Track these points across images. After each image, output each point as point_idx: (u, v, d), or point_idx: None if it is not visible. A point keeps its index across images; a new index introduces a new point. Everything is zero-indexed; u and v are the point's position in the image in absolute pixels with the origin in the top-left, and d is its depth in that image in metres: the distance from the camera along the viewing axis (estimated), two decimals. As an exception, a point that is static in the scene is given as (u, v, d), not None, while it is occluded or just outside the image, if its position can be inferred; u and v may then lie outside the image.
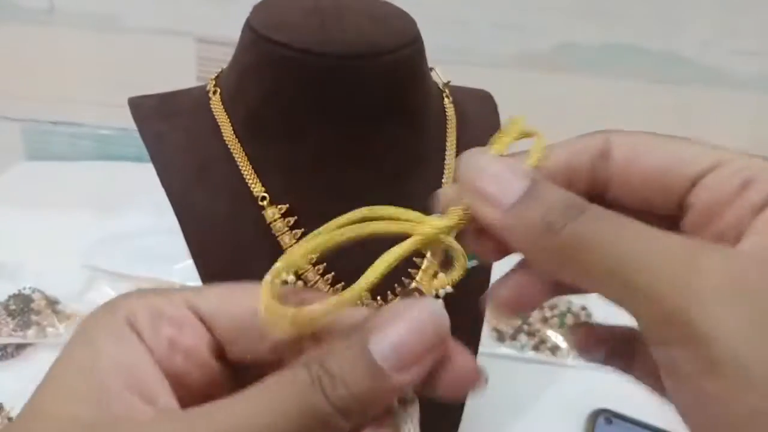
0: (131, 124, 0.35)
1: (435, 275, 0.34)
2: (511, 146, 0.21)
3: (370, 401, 0.15)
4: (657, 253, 0.15)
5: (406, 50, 0.33)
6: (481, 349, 0.36)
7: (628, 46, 0.71)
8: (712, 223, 0.17)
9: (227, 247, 0.33)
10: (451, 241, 0.19)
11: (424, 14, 0.36)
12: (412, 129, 0.35)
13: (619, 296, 0.16)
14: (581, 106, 0.74)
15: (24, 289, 0.53)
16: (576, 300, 0.59)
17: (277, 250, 0.32)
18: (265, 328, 0.17)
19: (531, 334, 0.55)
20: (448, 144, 0.36)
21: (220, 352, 0.18)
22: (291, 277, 0.32)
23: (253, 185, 0.32)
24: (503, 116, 0.40)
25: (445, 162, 0.36)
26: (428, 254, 0.34)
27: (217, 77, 0.37)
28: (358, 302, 0.31)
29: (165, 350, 0.16)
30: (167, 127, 0.35)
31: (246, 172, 0.33)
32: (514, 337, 0.55)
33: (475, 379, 0.17)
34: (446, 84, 0.39)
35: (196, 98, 0.36)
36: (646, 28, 0.70)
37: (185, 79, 0.56)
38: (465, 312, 0.35)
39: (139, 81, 0.42)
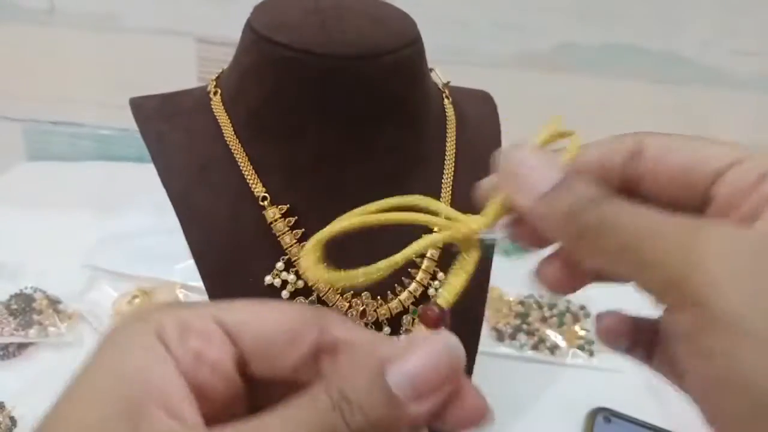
0: (132, 125, 0.35)
1: (434, 275, 0.34)
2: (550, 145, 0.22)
3: (386, 428, 0.16)
4: (664, 230, 0.17)
5: (406, 51, 0.33)
6: (480, 348, 0.36)
7: (628, 46, 0.71)
8: (732, 214, 0.18)
9: (228, 247, 0.33)
10: (485, 236, 0.21)
11: (424, 14, 0.36)
12: (412, 129, 0.35)
13: (632, 271, 0.17)
14: (581, 106, 0.74)
15: (25, 288, 0.53)
16: (575, 300, 0.59)
17: (278, 250, 0.32)
18: (289, 345, 0.17)
19: (530, 333, 0.55)
20: (447, 144, 0.36)
21: (243, 366, 0.18)
22: (291, 277, 0.32)
23: (253, 185, 0.33)
24: (503, 116, 0.40)
25: (445, 162, 0.36)
26: (428, 253, 0.34)
27: (217, 78, 0.37)
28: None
29: (191, 363, 0.17)
30: (168, 127, 0.35)
31: (247, 173, 0.33)
32: (513, 337, 0.55)
33: (484, 415, 0.17)
34: (446, 84, 0.39)
35: (197, 99, 0.36)
36: (646, 28, 0.70)
37: (186, 80, 0.57)
38: (465, 312, 0.35)
39: (140, 81, 0.42)
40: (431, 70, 0.38)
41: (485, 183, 0.22)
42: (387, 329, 0.33)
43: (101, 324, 0.51)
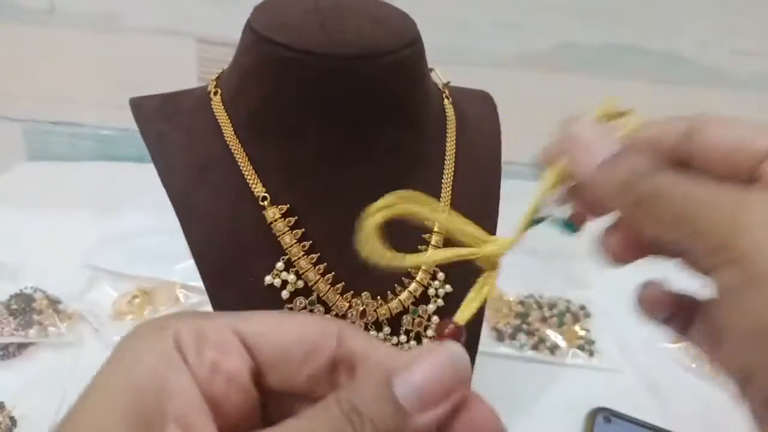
0: (132, 125, 0.35)
1: (434, 275, 0.34)
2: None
3: None
4: (714, 199, 0.18)
5: (406, 51, 0.33)
6: (480, 348, 0.36)
7: (628, 46, 0.71)
8: None
9: (228, 247, 0.33)
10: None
11: (424, 15, 0.36)
12: (412, 129, 0.35)
13: (684, 237, 0.18)
14: (581, 106, 0.74)
15: (25, 288, 0.53)
16: (575, 300, 0.59)
17: (278, 250, 0.32)
18: (306, 358, 0.18)
19: (530, 333, 0.55)
20: (447, 144, 0.36)
21: (259, 378, 0.18)
22: (291, 277, 0.32)
23: (253, 185, 0.33)
24: (503, 116, 0.40)
25: (445, 162, 0.36)
26: (429, 252, 0.34)
27: (217, 78, 0.37)
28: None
29: (207, 373, 0.17)
30: (168, 127, 0.35)
31: (247, 173, 0.33)
32: (513, 337, 0.55)
33: (495, 428, 0.17)
34: (446, 84, 0.39)
35: (197, 99, 0.36)
36: (646, 28, 0.70)
37: (186, 80, 0.57)
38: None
39: (140, 81, 0.42)
40: (431, 70, 0.38)
41: (545, 151, 0.23)
42: (387, 329, 0.34)
43: (101, 324, 0.51)
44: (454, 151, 0.36)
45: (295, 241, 0.32)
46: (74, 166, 0.73)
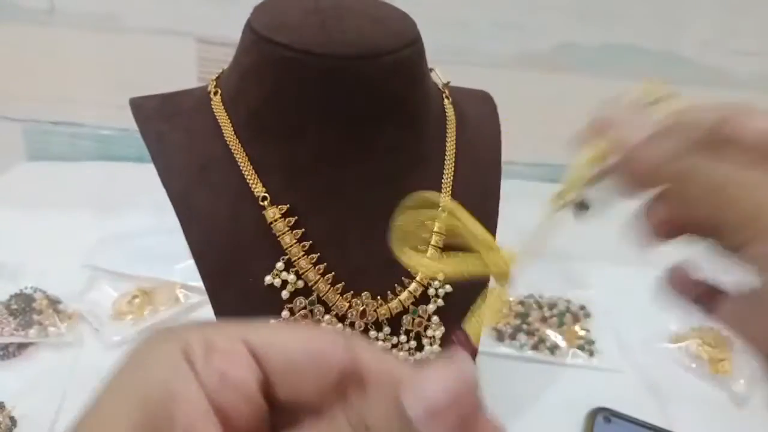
0: (132, 125, 0.35)
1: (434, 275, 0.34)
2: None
3: None
4: (746, 176, 0.20)
5: (406, 51, 0.33)
6: (480, 348, 0.36)
7: (628, 46, 0.71)
8: None
9: (228, 247, 0.33)
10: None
11: (424, 15, 0.36)
12: (412, 129, 0.35)
13: (715, 212, 0.20)
14: (581, 106, 0.74)
15: (25, 288, 0.53)
16: (575, 300, 0.59)
17: (278, 250, 0.32)
18: (316, 370, 0.18)
19: (530, 333, 0.55)
20: (447, 144, 0.36)
21: (268, 389, 0.18)
22: (291, 277, 0.32)
23: (253, 185, 0.33)
24: (503, 116, 0.40)
25: (445, 162, 0.36)
26: (428, 253, 0.34)
27: (217, 78, 0.37)
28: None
29: (215, 383, 0.17)
30: (168, 127, 0.35)
31: (247, 173, 0.33)
32: (513, 337, 0.55)
33: None
34: (446, 84, 0.39)
35: (197, 99, 0.36)
36: (646, 28, 0.70)
37: (186, 80, 0.57)
38: (465, 312, 0.35)
39: (140, 81, 0.42)
40: (431, 70, 0.38)
41: (587, 128, 0.25)
42: (387, 329, 0.34)
43: (101, 324, 0.51)
44: (454, 151, 0.36)
45: (295, 241, 0.32)
46: (74, 166, 0.73)
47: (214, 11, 0.67)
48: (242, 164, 0.33)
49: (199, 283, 0.33)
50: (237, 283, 0.33)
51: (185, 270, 0.56)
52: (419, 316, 0.34)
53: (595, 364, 0.53)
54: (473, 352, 0.18)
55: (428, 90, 0.36)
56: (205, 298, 0.33)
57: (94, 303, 0.53)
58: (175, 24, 0.68)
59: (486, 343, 0.54)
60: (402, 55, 0.33)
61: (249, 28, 0.33)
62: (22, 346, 0.49)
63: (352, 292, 0.33)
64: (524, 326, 0.56)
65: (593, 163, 0.24)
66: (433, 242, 0.34)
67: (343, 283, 0.33)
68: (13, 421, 0.43)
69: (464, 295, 0.35)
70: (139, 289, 0.55)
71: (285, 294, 0.32)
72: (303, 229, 0.33)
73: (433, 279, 0.34)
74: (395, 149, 0.34)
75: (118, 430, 0.15)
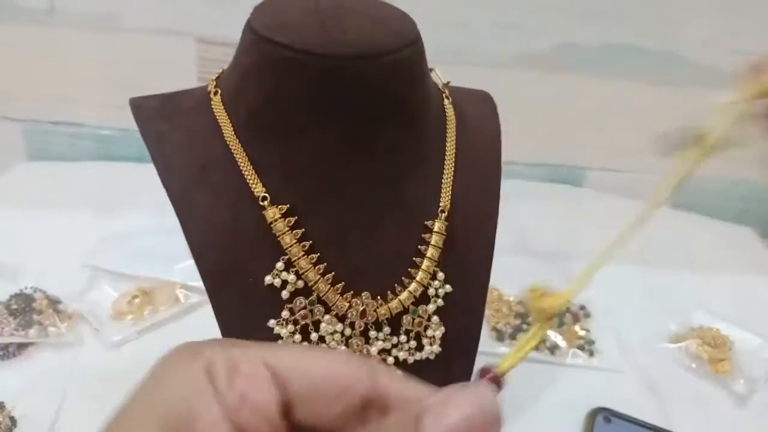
0: (132, 125, 0.35)
1: (434, 275, 0.34)
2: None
3: None
4: None
5: (406, 51, 0.33)
6: (480, 348, 0.36)
7: (628, 46, 0.71)
8: None
9: (228, 247, 0.33)
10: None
11: (424, 15, 0.36)
12: (412, 129, 0.35)
13: None
14: (581, 106, 0.74)
15: (25, 288, 0.53)
16: (575, 300, 0.59)
17: (278, 250, 0.32)
18: (338, 396, 0.18)
19: (531, 333, 0.55)
20: (447, 144, 0.36)
21: (288, 412, 0.18)
22: (291, 277, 0.32)
23: (253, 185, 0.33)
24: (503, 116, 0.40)
25: (445, 162, 0.36)
26: (428, 253, 0.34)
27: (217, 78, 0.37)
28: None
29: (236, 403, 0.17)
30: (168, 127, 0.35)
31: (247, 173, 0.33)
32: (513, 337, 0.55)
33: None
34: (446, 84, 0.39)
35: (197, 99, 0.36)
36: (646, 28, 0.70)
37: (186, 80, 0.57)
38: (465, 312, 0.35)
39: (140, 81, 0.42)
40: (431, 70, 0.38)
41: (752, 62, 0.25)
42: (387, 329, 0.34)
43: (101, 324, 0.51)
44: (454, 151, 0.36)
45: (295, 241, 0.32)
46: (74, 166, 0.73)
47: (214, 11, 0.67)
48: (242, 164, 0.33)
49: (199, 283, 0.33)
50: (237, 283, 0.33)
51: (185, 270, 0.56)
52: (419, 316, 0.34)
53: (595, 364, 0.54)
54: (500, 387, 0.19)
55: (428, 90, 0.36)
56: (205, 298, 0.33)
57: (94, 303, 0.53)
58: (175, 24, 0.68)
59: (486, 343, 0.54)
60: (402, 55, 0.33)
61: (249, 28, 0.33)
62: (22, 346, 0.49)
63: (352, 292, 0.33)
64: (524, 326, 0.56)
65: (750, 101, 0.23)
66: (433, 242, 0.34)
67: (343, 283, 0.33)
68: (13, 421, 0.43)
69: (464, 295, 0.35)
70: (139, 289, 0.55)
71: (285, 294, 0.32)
72: (303, 229, 0.33)
73: (434, 279, 0.34)
74: (395, 149, 0.34)
75: None
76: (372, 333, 0.33)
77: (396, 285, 0.34)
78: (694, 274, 0.64)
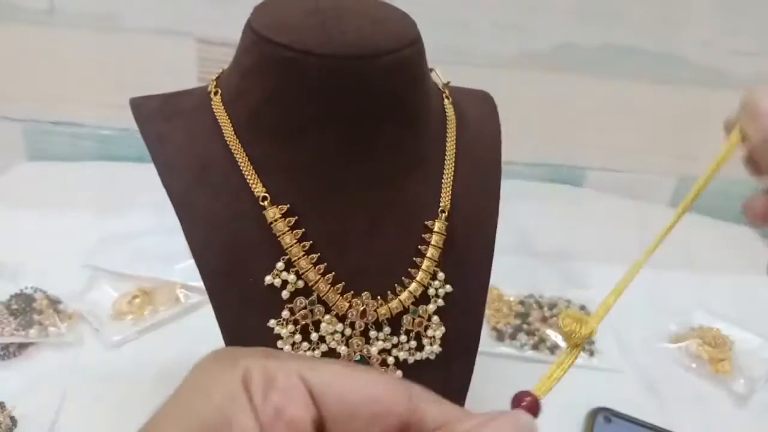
0: (132, 125, 0.35)
1: (434, 275, 0.34)
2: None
3: None
4: None
5: (406, 51, 0.33)
6: (480, 348, 0.36)
7: (628, 46, 0.71)
8: None
9: (228, 247, 0.33)
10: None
11: (424, 15, 0.36)
12: (412, 129, 0.35)
13: None
14: (581, 106, 0.74)
15: (26, 288, 0.53)
16: (575, 300, 0.59)
17: (278, 250, 0.32)
18: (374, 418, 0.18)
19: (530, 333, 0.55)
20: (447, 144, 0.36)
21: (321, 429, 0.18)
22: (291, 277, 0.32)
23: (254, 185, 0.33)
24: (503, 116, 0.40)
25: (445, 162, 0.36)
26: (429, 253, 0.34)
27: (218, 78, 0.37)
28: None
29: (270, 417, 0.17)
30: (168, 127, 0.35)
31: (247, 173, 0.33)
32: (513, 336, 0.55)
33: None
34: (446, 84, 0.39)
35: (198, 99, 0.36)
36: (646, 28, 0.70)
37: (186, 80, 0.57)
38: (465, 312, 0.35)
39: (140, 81, 0.42)
40: (431, 70, 0.38)
41: (730, 117, 0.27)
42: (387, 329, 0.34)
43: (101, 324, 0.51)
44: (454, 151, 0.36)
45: (295, 241, 0.32)
46: (74, 166, 0.73)
47: (215, 11, 0.67)
48: (242, 164, 0.33)
49: (200, 283, 0.33)
50: (237, 283, 0.33)
51: (185, 270, 0.56)
52: (419, 316, 0.34)
53: (595, 364, 0.54)
54: (537, 413, 0.19)
55: (428, 90, 0.36)
56: (206, 298, 0.33)
57: (94, 303, 0.53)
58: (176, 24, 0.68)
59: (486, 343, 0.54)
60: (402, 56, 0.33)
61: (249, 28, 0.33)
62: (22, 346, 0.49)
63: (352, 292, 0.33)
64: (524, 326, 0.56)
65: (732, 149, 0.26)
66: (433, 242, 0.34)
67: (343, 283, 0.33)
68: (13, 421, 0.43)
69: (464, 295, 0.35)
70: (140, 289, 0.55)
71: (285, 294, 0.32)
72: (303, 229, 0.33)
73: (434, 279, 0.34)
74: (395, 149, 0.34)
75: None
76: (372, 333, 0.33)
77: (396, 285, 0.34)
78: (694, 274, 0.64)
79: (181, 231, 0.33)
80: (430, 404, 0.18)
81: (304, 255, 0.32)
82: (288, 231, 0.32)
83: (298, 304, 0.33)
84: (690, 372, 0.54)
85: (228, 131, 0.34)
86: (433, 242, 0.34)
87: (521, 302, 0.59)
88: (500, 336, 0.55)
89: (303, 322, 0.33)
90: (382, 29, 0.33)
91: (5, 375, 0.47)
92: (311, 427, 0.17)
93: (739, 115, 0.26)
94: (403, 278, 0.34)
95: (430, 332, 0.34)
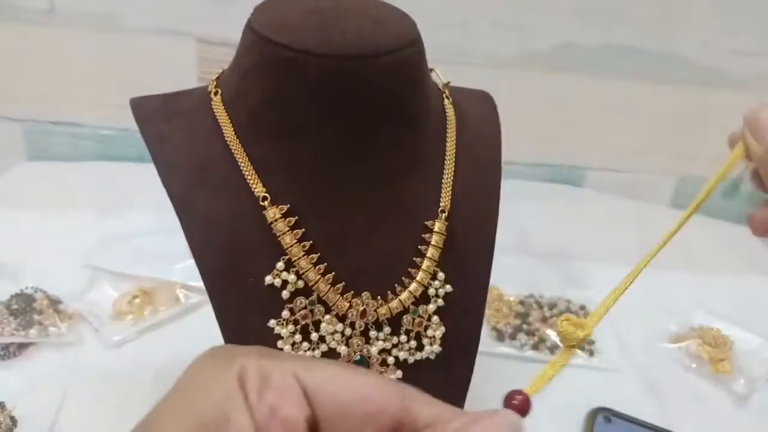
0: (132, 125, 0.35)
1: (434, 275, 0.34)
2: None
3: None
4: None
5: (406, 51, 0.33)
6: (480, 348, 0.36)
7: (628, 46, 0.71)
8: None
9: (228, 247, 0.33)
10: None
11: (425, 15, 0.36)
12: (412, 129, 0.35)
13: None
14: (581, 106, 0.74)
15: (26, 288, 0.53)
16: (575, 300, 0.59)
17: (278, 250, 0.32)
18: (368, 418, 0.18)
19: (530, 333, 0.55)
20: (447, 144, 0.36)
21: (315, 427, 0.18)
22: (292, 277, 0.32)
23: (254, 185, 0.33)
24: (503, 116, 0.40)
25: (445, 162, 0.36)
26: (429, 253, 0.34)
27: (218, 78, 0.37)
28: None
29: (265, 415, 0.17)
30: (168, 127, 0.35)
31: (247, 173, 0.33)
32: (513, 336, 0.55)
33: None
34: (446, 84, 0.39)
35: (198, 99, 0.36)
36: (646, 28, 0.70)
37: (186, 80, 0.57)
38: (465, 312, 0.35)
39: (140, 81, 0.42)
40: (431, 70, 0.38)
41: (735, 132, 0.27)
42: (387, 329, 0.34)
43: (102, 324, 0.51)
44: (454, 151, 0.36)
45: (295, 241, 0.32)
46: (74, 166, 0.73)
47: (215, 11, 0.67)
48: (242, 164, 0.33)
49: (200, 283, 0.33)
50: (237, 283, 0.33)
51: (185, 270, 0.56)
52: (419, 315, 0.34)
53: (595, 364, 0.54)
54: (527, 411, 0.19)
55: (428, 90, 0.36)
56: (206, 297, 0.33)
57: (94, 303, 0.53)
58: (176, 24, 0.68)
59: (486, 343, 0.54)
60: (402, 56, 0.33)
61: (249, 28, 0.33)
62: (22, 346, 0.49)
63: (352, 292, 0.33)
64: (524, 326, 0.56)
65: (734, 164, 0.26)
66: (433, 242, 0.34)
67: (343, 283, 0.33)
68: (13, 421, 0.43)
69: (464, 295, 0.35)
70: (140, 289, 0.55)
71: (285, 294, 0.32)
72: (303, 229, 0.33)
73: (434, 279, 0.34)
74: (395, 149, 0.34)
75: None
76: (372, 333, 0.33)
77: (396, 285, 0.34)
78: (694, 274, 0.64)
79: (181, 231, 0.33)
80: (422, 404, 0.18)
81: (304, 255, 0.32)
82: (288, 231, 0.32)
83: (298, 304, 0.33)
84: (690, 372, 0.54)
85: (228, 131, 0.34)
86: (433, 242, 0.34)
87: (521, 302, 0.59)
88: (500, 336, 0.55)
89: (303, 322, 0.33)
90: (382, 29, 0.33)
91: (5, 375, 0.47)
92: (305, 427, 0.17)
93: (742, 130, 0.26)
94: (403, 278, 0.34)
95: (430, 332, 0.34)
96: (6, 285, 0.53)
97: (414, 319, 0.34)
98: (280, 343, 0.32)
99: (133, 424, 0.18)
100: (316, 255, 0.33)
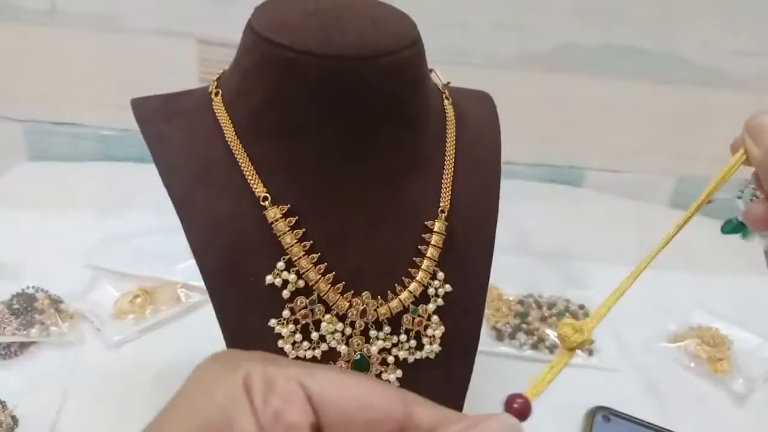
0: (133, 125, 0.35)
1: (434, 275, 0.34)
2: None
3: None
4: None
5: (406, 52, 0.33)
6: (480, 347, 0.36)
7: (628, 46, 0.71)
8: None
9: (229, 247, 0.33)
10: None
11: (425, 15, 0.36)
12: (412, 130, 0.35)
13: None
14: (581, 106, 0.74)
15: (27, 288, 0.53)
16: (574, 299, 0.59)
17: (278, 250, 0.32)
18: (371, 425, 0.18)
19: (530, 332, 0.55)
20: (447, 144, 0.37)
21: None
22: (292, 277, 0.32)
23: (254, 186, 0.33)
24: (503, 116, 0.40)
25: (445, 162, 0.36)
26: (428, 252, 0.34)
27: (218, 78, 0.37)
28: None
29: (269, 421, 0.17)
30: (169, 127, 0.35)
31: (248, 173, 0.33)
32: (512, 336, 0.55)
33: None
34: (446, 85, 0.39)
35: (198, 99, 0.36)
36: (646, 28, 0.70)
37: (187, 80, 0.57)
38: (465, 311, 0.36)
39: (141, 82, 0.42)
40: (431, 70, 0.38)
41: (737, 138, 0.28)
42: (387, 329, 0.34)
43: (103, 323, 0.51)
44: (454, 151, 0.36)
45: (295, 240, 0.32)
46: (75, 166, 0.73)
47: (215, 12, 0.67)
48: (243, 164, 0.33)
49: (200, 283, 0.33)
50: (238, 282, 0.33)
51: (186, 270, 0.56)
52: (419, 315, 0.34)
53: (595, 364, 0.54)
54: (527, 414, 0.19)
55: (428, 90, 0.36)
56: (206, 297, 0.33)
57: (95, 302, 0.53)
58: (176, 25, 0.69)
59: (486, 342, 0.54)
60: (402, 56, 0.33)
61: (250, 28, 0.33)
62: (23, 346, 0.49)
63: (352, 291, 0.33)
64: (524, 325, 0.56)
65: (733, 169, 0.26)
66: (433, 242, 0.34)
67: (343, 282, 0.33)
68: (14, 420, 0.43)
69: (464, 295, 0.36)
70: (141, 289, 0.55)
71: (286, 294, 0.33)
72: (304, 229, 0.33)
73: (434, 278, 0.34)
74: (395, 149, 0.34)
75: None
76: (372, 332, 0.33)
77: (396, 284, 0.34)
78: (693, 274, 0.64)
79: (182, 231, 0.33)
80: (423, 409, 0.18)
81: (304, 255, 0.32)
82: (288, 231, 0.32)
83: (298, 303, 0.33)
84: (689, 371, 0.54)
85: (229, 131, 0.34)
86: (432, 242, 0.34)
87: (521, 302, 0.59)
88: (500, 335, 0.55)
89: (303, 322, 0.33)
90: (382, 30, 0.33)
91: (6, 374, 0.47)
92: None
93: (743, 135, 0.26)
94: (403, 278, 0.34)
95: (429, 331, 0.34)
96: (7, 285, 0.53)
97: (414, 318, 0.34)
98: (280, 343, 0.33)
99: (134, 423, 0.18)
100: (317, 255, 0.33)
